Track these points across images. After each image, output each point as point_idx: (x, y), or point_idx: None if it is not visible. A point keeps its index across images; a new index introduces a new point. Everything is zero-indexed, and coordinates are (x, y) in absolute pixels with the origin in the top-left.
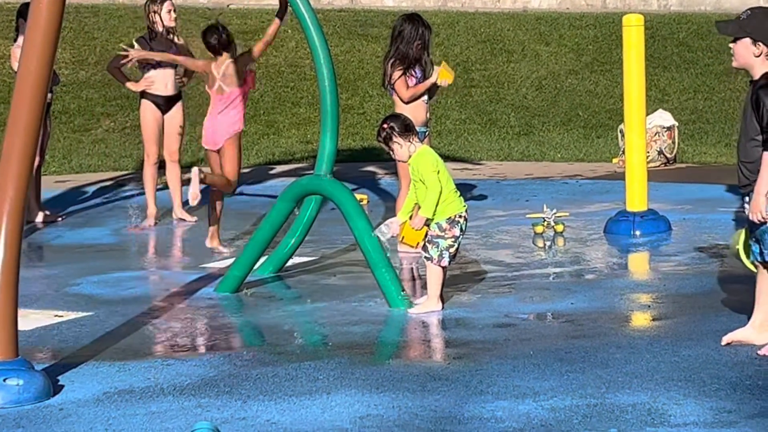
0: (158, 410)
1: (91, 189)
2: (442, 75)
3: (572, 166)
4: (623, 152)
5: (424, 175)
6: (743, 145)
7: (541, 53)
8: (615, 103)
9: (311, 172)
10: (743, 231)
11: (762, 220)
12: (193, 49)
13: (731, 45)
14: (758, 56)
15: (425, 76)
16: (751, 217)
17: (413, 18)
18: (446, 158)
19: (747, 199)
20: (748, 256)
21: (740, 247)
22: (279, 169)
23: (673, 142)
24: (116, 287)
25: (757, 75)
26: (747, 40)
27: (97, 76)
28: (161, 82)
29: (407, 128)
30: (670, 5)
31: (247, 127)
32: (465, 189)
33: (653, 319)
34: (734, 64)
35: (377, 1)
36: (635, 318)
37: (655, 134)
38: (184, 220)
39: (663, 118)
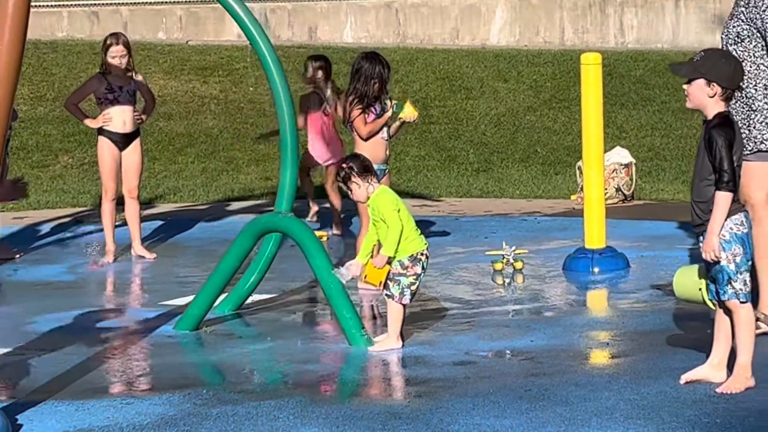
0: None
1: (49, 226)
2: (409, 112)
3: (531, 203)
4: (581, 189)
5: (384, 214)
6: (697, 184)
7: (499, 90)
8: (573, 139)
9: (271, 209)
10: (692, 269)
11: (714, 260)
12: (152, 85)
13: (685, 86)
14: (712, 97)
15: (383, 114)
16: (704, 257)
17: (371, 57)
18: (405, 195)
19: (701, 238)
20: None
21: (703, 286)
22: (238, 205)
23: (631, 179)
24: (74, 325)
25: (710, 115)
26: (701, 81)
27: (56, 112)
28: (119, 118)
29: (366, 169)
30: (627, 42)
31: (206, 163)
32: (424, 226)
33: (612, 357)
34: (688, 104)
35: (336, 38)
36: (594, 355)
37: (613, 171)
38: (143, 257)
39: (621, 155)
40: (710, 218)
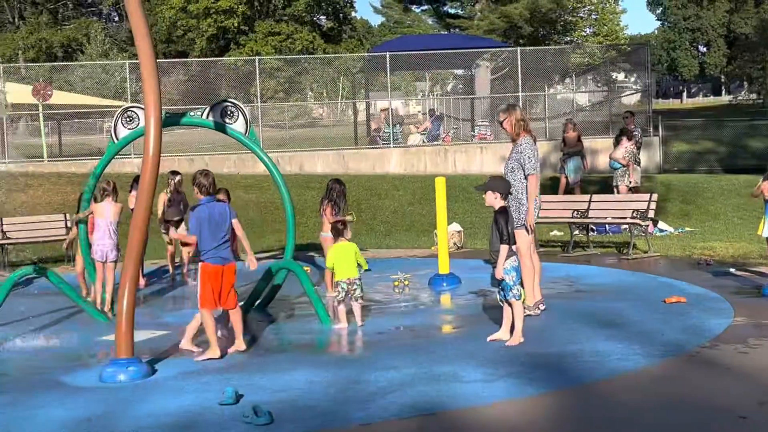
0: None
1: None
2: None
3: (411, 251)
4: (436, 244)
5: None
6: (493, 241)
7: (395, 195)
8: (431, 219)
9: (281, 257)
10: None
11: (500, 279)
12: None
13: (483, 196)
14: (496, 199)
15: (343, 214)
16: (497, 277)
17: (336, 180)
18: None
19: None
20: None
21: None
22: (264, 255)
23: (461, 238)
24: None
25: (496, 207)
26: (490, 192)
27: None
28: None
29: (338, 233)
30: (458, 169)
31: (247, 234)
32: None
33: (454, 328)
34: (486, 203)
35: (314, 169)
36: (445, 327)
37: (452, 234)
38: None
39: (455, 227)
40: (498, 258)
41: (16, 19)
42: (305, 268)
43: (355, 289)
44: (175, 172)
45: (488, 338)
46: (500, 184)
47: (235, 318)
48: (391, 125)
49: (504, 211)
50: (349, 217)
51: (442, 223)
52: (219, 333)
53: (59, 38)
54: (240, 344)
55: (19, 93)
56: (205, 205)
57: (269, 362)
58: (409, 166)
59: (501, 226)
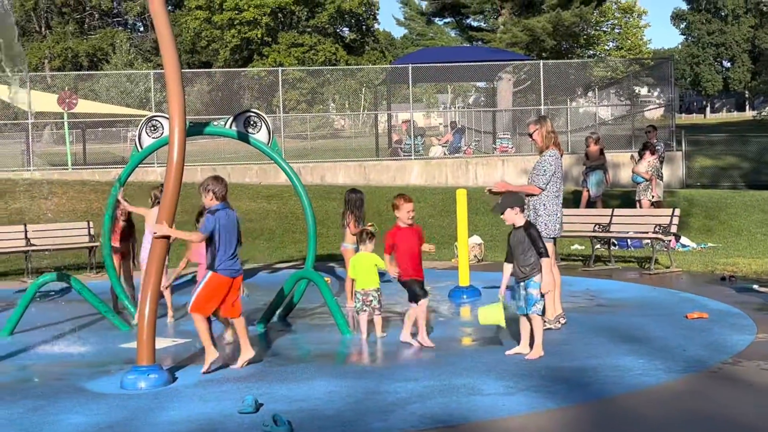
0: None
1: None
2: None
3: (433, 263)
4: (457, 256)
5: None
6: (519, 257)
7: (416, 208)
8: (453, 231)
9: (302, 266)
10: (493, 307)
11: (545, 292)
12: (241, 205)
13: (502, 216)
14: (516, 215)
15: (363, 223)
16: (542, 290)
17: (353, 190)
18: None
19: (521, 284)
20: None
21: (502, 316)
22: (285, 265)
23: (482, 251)
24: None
25: (518, 223)
26: (508, 209)
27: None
28: None
29: (361, 241)
30: (479, 182)
31: (268, 243)
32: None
33: (473, 340)
34: (507, 222)
35: (335, 180)
36: (465, 339)
37: (472, 247)
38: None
39: (475, 239)
40: (543, 272)
41: (43, 29)
42: (326, 279)
43: (371, 301)
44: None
45: (507, 353)
46: (514, 199)
47: (240, 326)
48: (412, 137)
49: (531, 226)
50: (370, 228)
51: (462, 235)
52: (229, 337)
53: (85, 47)
54: (249, 351)
55: (45, 101)
56: (224, 210)
57: (289, 371)
58: (430, 178)
59: (536, 240)
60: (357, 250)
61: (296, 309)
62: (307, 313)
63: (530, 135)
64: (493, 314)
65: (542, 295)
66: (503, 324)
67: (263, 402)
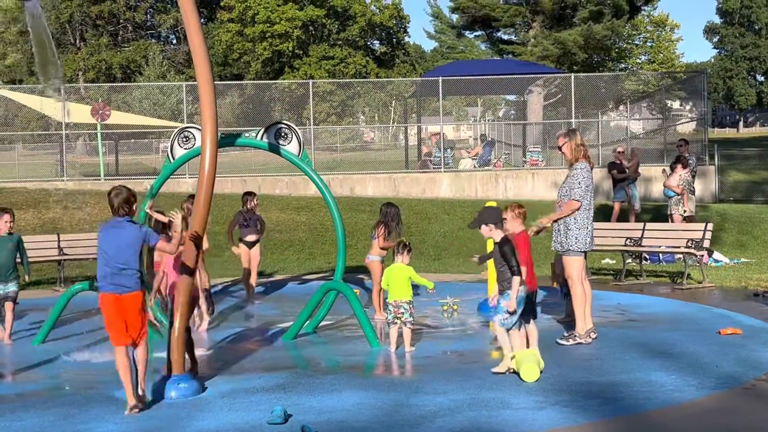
0: None
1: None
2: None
3: (460, 276)
4: (486, 269)
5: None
6: (499, 271)
7: (445, 220)
8: (482, 243)
9: (331, 278)
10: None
11: (513, 311)
12: (270, 215)
13: (480, 230)
14: (491, 231)
15: (399, 237)
16: (508, 308)
17: (389, 204)
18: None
19: (501, 297)
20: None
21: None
22: (314, 276)
23: None
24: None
25: (496, 238)
26: (483, 226)
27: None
28: (249, 235)
29: (407, 249)
30: (509, 195)
31: (298, 255)
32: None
33: (503, 354)
34: (485, 237)
35: (365, 192)
36: (494, 353)
37: None
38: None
39: None
40: (511, 290)
41: (78, 41)
42: (354, 290)
43: (402, 313)
44: (250, 193)
45: (492, 370)
46: (490, 214)
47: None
48: (442, 150)
49: (507, 242)
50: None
51: (491, 248)
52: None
53: (118, 59)
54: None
55: (79, 112)
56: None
57: (318, 383)
58: (460, 191)
59: (507, 257)
60: (382, 262)
61: (325, 320)
62: (335, 324)
63: (559, 148)
64: (530, 367)
65: (513, 313)
66: (541, 365)
67: (292, 413)
